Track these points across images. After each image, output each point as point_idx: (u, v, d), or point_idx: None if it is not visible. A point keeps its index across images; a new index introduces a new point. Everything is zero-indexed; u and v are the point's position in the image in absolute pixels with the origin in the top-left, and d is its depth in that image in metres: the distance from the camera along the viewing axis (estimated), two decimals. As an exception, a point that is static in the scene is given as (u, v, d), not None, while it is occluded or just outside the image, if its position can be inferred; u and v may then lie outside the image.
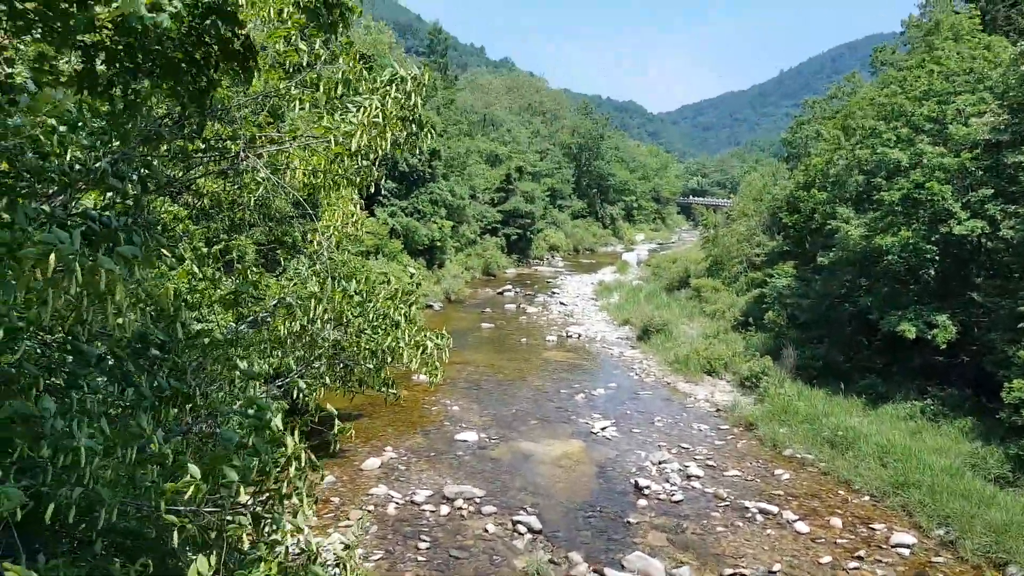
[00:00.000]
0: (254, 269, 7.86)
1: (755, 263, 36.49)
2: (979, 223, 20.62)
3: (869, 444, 18.41)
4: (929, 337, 20.73)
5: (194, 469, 3.85)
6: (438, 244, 45.16)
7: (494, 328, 35.20)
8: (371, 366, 6.82)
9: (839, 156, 27.51)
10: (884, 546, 14.37)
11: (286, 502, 4.47)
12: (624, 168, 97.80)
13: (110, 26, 4.33)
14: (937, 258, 21.90)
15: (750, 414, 21.92)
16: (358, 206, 7.96)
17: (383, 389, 7.32)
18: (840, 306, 25.91)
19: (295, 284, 7.70)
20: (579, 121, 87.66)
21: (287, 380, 6.72)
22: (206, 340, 5.64)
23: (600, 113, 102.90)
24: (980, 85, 23.36)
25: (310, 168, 7.29)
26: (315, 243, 8.32)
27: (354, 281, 6.61)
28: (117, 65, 4.54)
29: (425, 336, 6.64)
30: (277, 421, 4.34)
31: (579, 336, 33.86)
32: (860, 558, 13.84)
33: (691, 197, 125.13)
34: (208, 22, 4.43)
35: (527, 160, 68.47)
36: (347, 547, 5.44)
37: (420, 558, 13.26)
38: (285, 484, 4.44)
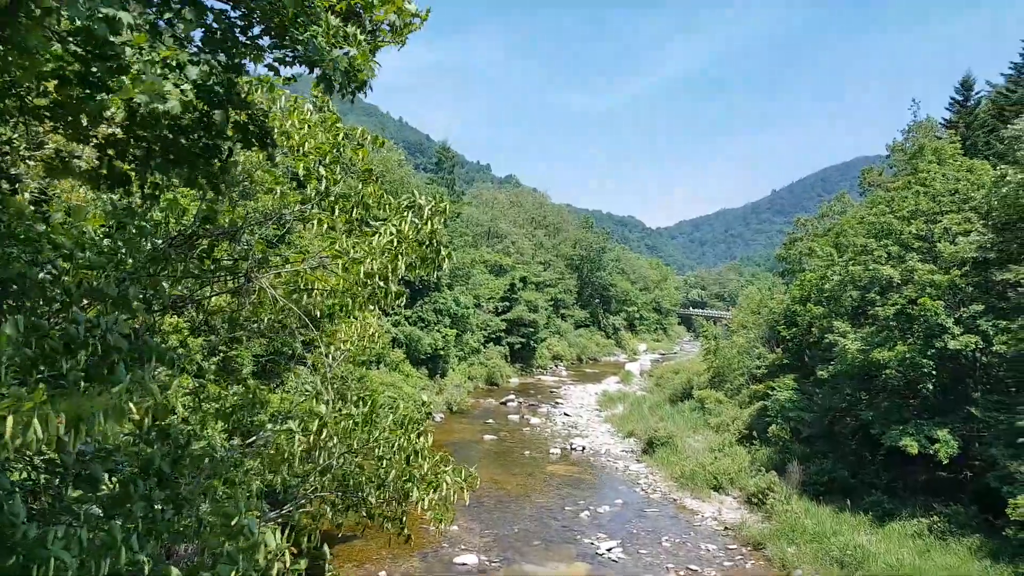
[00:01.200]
0: (252, 382, 7.90)
1: (756, 375, 36.67)
2: (972, 338, 21.10)
3: (878, 564, 18.04)
4: (931, 452, 20.71)
5: (175, 572, 3.88)
6: (441, 353, 45.51)
7: (497, 440, 34.94)
8: (373, 500, 6.36)
9: (833, 272, 28.38)
10: (900, 675, 13.84)
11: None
12: (625, 279, 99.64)
13: (121, 117, 4.53)
14: (934, 372, 22.21)
15: (758, 533, 21.51)
16: (376, 319, 8.09)
17: (390, 527, 6.84)
18: (842, 420, 25.96)
19: (301, 400, 7.65)
20: (581, 234, 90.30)
21: (287, 509, 6.65)
22: (207, 461, 5.46)
23: (601, 227, 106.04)
24: (965, 205, 24.52)
25: (327, 289, 7.52)
26: (328, 355, 8.26)
27: (361, 404, 6.61)
28: (132, 156, 4.68)
29: (443, 471, 6.06)
30: (269, 539, 4.40)
31: (583, 449, 33.56)
32: None
33: (691, 308, 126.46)
34: (216, 109, 4.57)
35: (531, 271, 70.07)
36: None
37: None
38: None
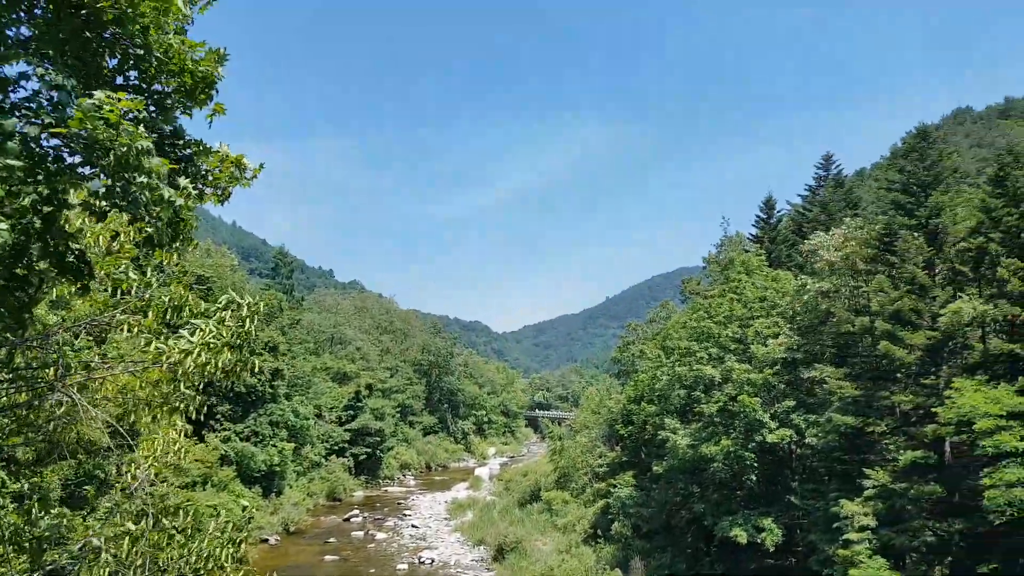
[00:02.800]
0: (59, 510, 7.19)
1: (599, 473, 37.76)
2: (787, 432, 23.37)
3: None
4: (759, 540, 22.20)
5: None
6: (277, 469, 42.51)
7: (339, 560, 32.73)
8: None
9: (662, 372, 30.55)
10: None
11: None
12: (473, 383, 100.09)
13: None
14: (756, 464, 24.20)
15: (607, 635, 21.54)
16: (182, 433, 7.65)
17: None
18: (678, 513, 27.27)
19: (105, 524, 6.99)
20: (429, 339, 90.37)
21: None
22: None
23: (449, 331, 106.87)
24: (773, 311, 27.72)
25: (120, 389, 6.98)
26: (128, 475, 7.79)
27: (181, 514, 6.21)
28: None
29: None
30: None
31: (432, 562, 32.27)
32: None
33: (537, 411, 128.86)
34: (35, 239, 4.36)
35: (377, 377, 68.46)
36: None
37: None
38: None
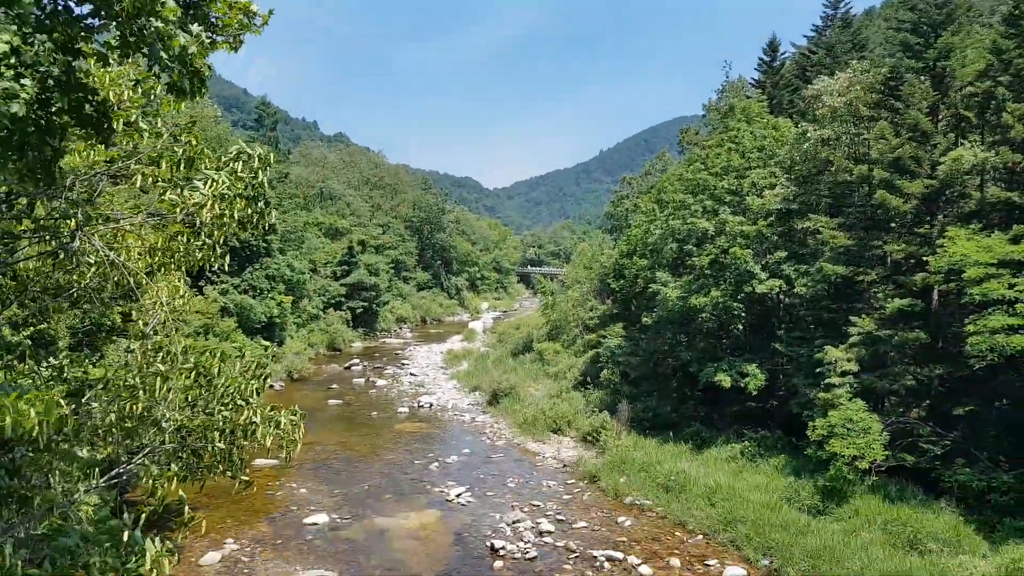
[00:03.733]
0: (70, 353, 7.37)
1: (589, 326, 38.78)
2: (777, 282, 23.69)
3: (698, 486, 20.02)
4: (743, 385, 23.17)
5: None
6: (277, 321, 43.46)
7: (342, 404, 34.26)
8: (222, 446, 6.42)
9: (655, 226, 30.45)
10: (719, 580, 15.58)
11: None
12: (466, 240, 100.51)
13: None
14: (744, 314, 24.73)
15: (593, 467, 23.02)
16: (183, 282, 7.75)
17: (235, 476, 6.91)
18: (665, 362, 28.27)
19: (131, 366, 7.22)
20: (420, 196, 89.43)
21: (124, 469, 6.37)
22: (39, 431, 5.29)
23: (440, 188, 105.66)
24: (771, 161, 27.16)
25: (146, 247, 7.06)
26: (140, 323, 7.97)
27: (206, 355, 6.44)
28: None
29: (278, 413, 6.38)
30: (138, 536, 4.31)
31: (431, 406, 33.85)
32: (699, 593, 14.91)
33: (529, 267, 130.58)
34: (54, 90, 4.42)
35: (369, 233, 68.41)
36: None
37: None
38: None
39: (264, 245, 43.91)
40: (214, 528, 17.96)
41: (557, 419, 28.37)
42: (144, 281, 7.38)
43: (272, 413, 6.59)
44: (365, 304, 58.97)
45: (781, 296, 25.11)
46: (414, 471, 23.54)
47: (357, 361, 46.77)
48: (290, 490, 21.24)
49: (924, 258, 19.46)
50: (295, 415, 6.84)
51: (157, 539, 4.82)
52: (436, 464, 24.29)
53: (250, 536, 17.78)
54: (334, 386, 38.47)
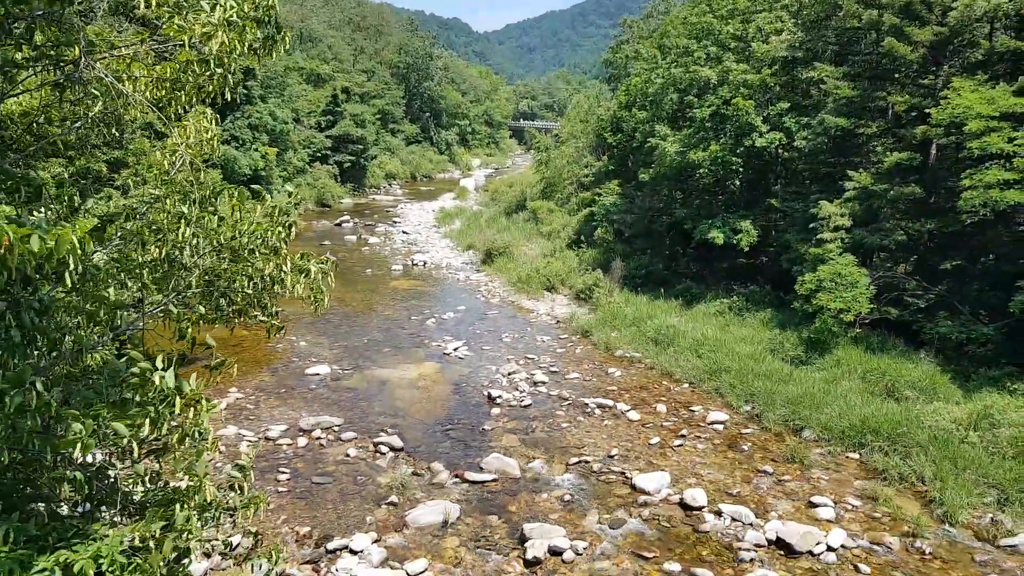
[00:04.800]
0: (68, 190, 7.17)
1: (584, 184, 38.32)
2: (777, 135, 23.13)
3: (686, 339, 20.68)
4: (735, 242, 23.28)
5: (77, 426, 3.71)
6: (263, 174, 42.60)
7: (336, 260, 34.39)
8: (250, 292, 6.31)
9: (656, 75, 29.22)
10: (702, 424, 16.49)
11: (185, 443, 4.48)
12: (455, 90, 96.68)
13: None
14: (741, 169, 24.37)
15: (585, 323, 23.63)
16: (213, 120, 7.37)
17: (267, 319, 6.78)
18: (659, 219, 28.22)
19: (152, 206, 6.94)
20: (405, 39, 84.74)
21: (152, 311, 6.32)
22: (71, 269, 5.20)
23: (426, 30, 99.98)
24: (778, 4, 25.61)
25: (154, 78, 6.67)
26: (165, 162, 7.62)
27: (226, 196, 6.21)
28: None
29: (308, 260, 6.16)
30: (169, 378, 4.29)
31: (424, 264, 34.10)
32: (683, 436, 15.81)
33: (521, 120, 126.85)
34: None
35: (353, 80, 65.43)
36: (241, 467, 5.53)
37: (281, 489, 13.32)
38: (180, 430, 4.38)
39: (244, 92, 42.05)
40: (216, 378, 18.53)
41: (551, 277, 28.74)
42: (172, 115, 7.03)
43: (301, 261, 6.34)
44: (352, 158, 57.64)
45: (780, 150, 24.61)
46: (411, 327, 24.11)
47: (347, 218, 46.49)
48: (290, 343, 21.81)
49: (927, 110, 18.93)
50: (325, 263, 6.53)
51: (193, 378, 4.87)
52: (432, 320, 24.84)
53: (254, 385, 18.46)
54: (326, 243, 38.49)
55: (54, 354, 4.52)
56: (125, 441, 4.10)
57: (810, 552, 11.58)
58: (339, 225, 44.47)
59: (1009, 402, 14.68)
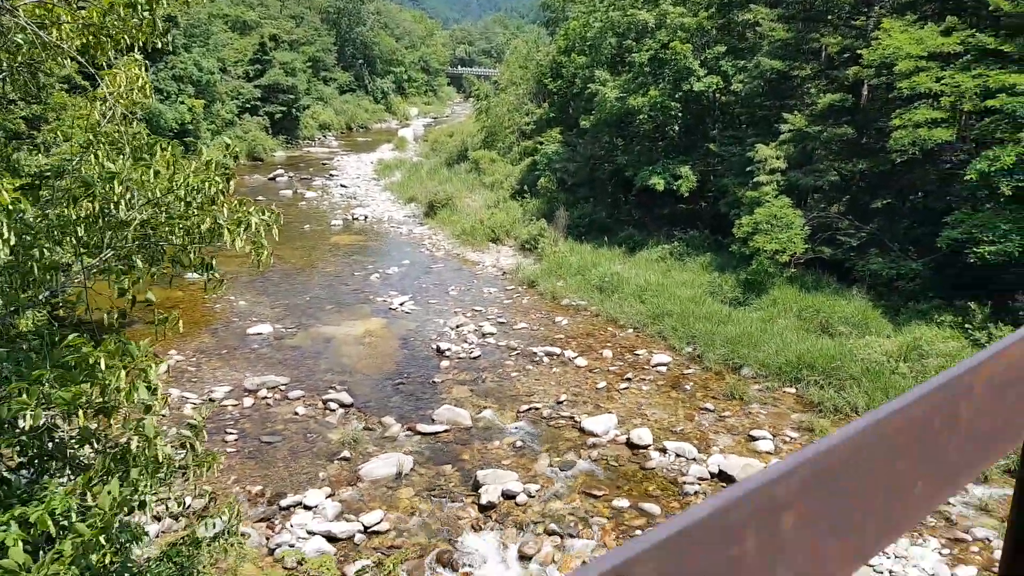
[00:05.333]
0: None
1: (526, 132, 37.90)
2: (715, 79, 23.26)
3: (630, 286, 21.01)
4: (675, 188, 23.56)
5: (21, 398, 3.54)
6: (190, 127, 40.57)
7: (278, 212, 33.34)
8: (187, 246, 5.98)
9: (594, 19, 28.84)
10: (647, 367, 16.91)
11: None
12: (389, 36, 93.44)
13: None
14: (680, 114, 24.50)
15: (531, 273, 23.71)
16: (143, 68, 6.94)
17: (204, 272, 6.46)
18: (601, 167, 28.27)
19: (82, 159, 6.56)
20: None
21: (85, 268, 6.02)
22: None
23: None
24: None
25: (80, 23, 6.21)
26: (95, 113, 7.18)
27: (158, 149, 5.86)
28: None
29: (247, 212, 5.74)
30: (102, 364, 4.12)
31: (365, 218, 33.40)
32: (629, 379, 16.20)
33: (460, 67, 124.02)
34: None
35: (281, 27, 62.43)
36: (192, 427, 5.38)
37: (230, 450, 13.11)
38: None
39: (166, 41, 39.63)
40: (156, 341, 17.91)
41: (495, 228, 28.57)
42: (102, 64, 6.60)
43: (241, 212, 5.95)
44: (284, 109, 55.36)
45: (717, 94, 24.81)
46: (354, 283, 23.71)
47: (281, 172, 44.94)
48: (229, 303, 21.18)
49: (858, 52, 19.34)
50: (267, 215, 6.12)
51: (143, 342, 4.74)
52: (376, 275, 24.47)
53: (193, 347, 17.92)
54: (260, 198, 37.10)
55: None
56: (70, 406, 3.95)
57: (751, 483, 12.13)
58: (273, 179, 42.99)
59: (936, 333, 15.51)
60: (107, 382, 4.20)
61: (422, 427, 13.94)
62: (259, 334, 18.85)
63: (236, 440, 13.51)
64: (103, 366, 4.20)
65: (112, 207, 5.26)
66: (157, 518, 9.32)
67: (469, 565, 10.35)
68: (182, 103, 40.00)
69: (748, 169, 20.70)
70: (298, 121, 58.61)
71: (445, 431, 13.88)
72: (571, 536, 10.94)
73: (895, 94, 18.08)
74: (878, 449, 0.65)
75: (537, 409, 14.82)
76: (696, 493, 11.96)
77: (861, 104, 20.53)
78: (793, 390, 15.40)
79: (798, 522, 0.56)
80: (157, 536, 10.13)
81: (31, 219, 5.17)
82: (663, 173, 23.90)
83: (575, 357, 17.37)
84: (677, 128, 25.28)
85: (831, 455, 0.59)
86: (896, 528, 0.70)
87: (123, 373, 4.30)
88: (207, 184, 5.57)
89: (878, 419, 0.64)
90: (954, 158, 18.66)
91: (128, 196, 5.32)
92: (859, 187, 20.41)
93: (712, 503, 0.49)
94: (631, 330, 19.13)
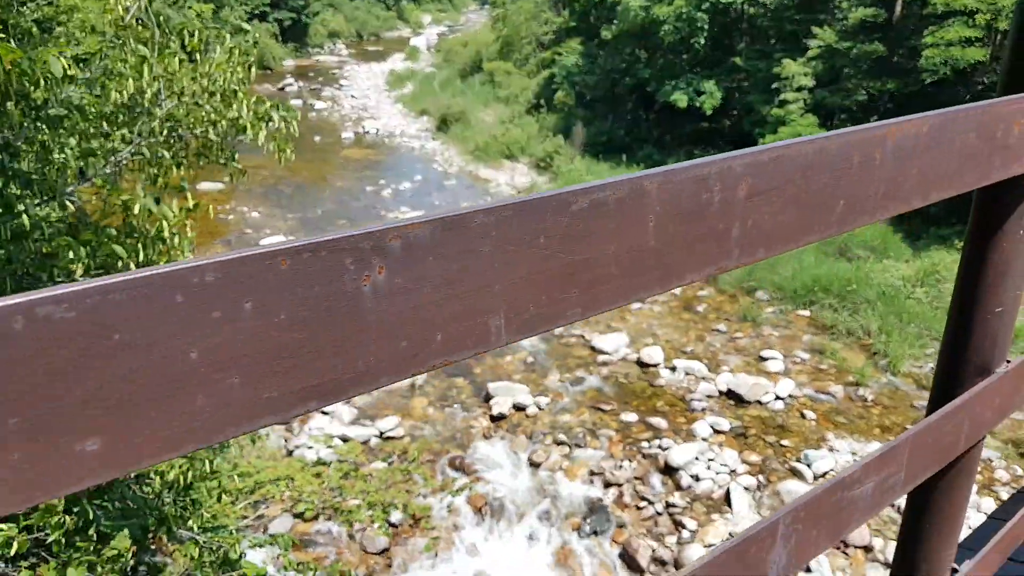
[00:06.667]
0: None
1: (544, 43, 36.59)
2: (744, -11, 22.19)
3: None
4: (698, 105, 22.84)
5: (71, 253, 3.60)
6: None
7: (297, 109, 32.83)
8: (213, 137, 6.01)
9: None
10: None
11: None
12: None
13: None
14: (707, 26, 23.46)
15: (545, 190, 23.34)
16: None
17: (227, 163, 6.46)
18: (621, 81, 27.33)
19: (111, 49, 6.44)
20: None
21: (119, 157, 6.03)
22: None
23: None
24: None
25: None
26: (120, 8, 7.02)
27: (186, 35, 5.71)
28: None
29: (268, 108, 5.74)
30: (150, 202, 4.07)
31: (377, 131, 32.78)
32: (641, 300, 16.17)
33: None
34: None
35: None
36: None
37: (247, 359, 13.33)
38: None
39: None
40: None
41: (509, 145, 27.96)
42: None
43: (263, 108, 5.98)
44: (293, 15, 53.68)
45: (745, 6, 23.67)
46: (366, 197, 23.49)
47: (291, 81, 43.92)
48: (242, 214, 21.11)
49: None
50: (287, 111, 6.15)
51: (174, 203, 4.80)
52: (388, 191, 24.20)
53: (207, 255, 17.95)
54: (273, 109, 36.50)
55: (24, 193, 4.37)
56: (120, 264, 4.06)
57: (758, 401, 12.26)
58: (282, 89, 42.04)
59: (956, 259, 15.28)
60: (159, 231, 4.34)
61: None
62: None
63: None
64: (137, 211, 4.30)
65: (140, 97, 5.20)
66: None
67: (481, 470, 10.65)
68: (190, 8, 38.76)
69: (774, 86, 19.98)
70: (308, 28, 56.90)
71: (458, 344, 14.01)
72: (579, 446, 11.18)
73: (929, 10, 17.18)
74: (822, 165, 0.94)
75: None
76: (704, 409, 12.11)
77: (893, 20, 19.55)
78: (807, 313, 15.35)
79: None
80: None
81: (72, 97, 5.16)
82: (686, 88, 23.12)
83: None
84: (703, 41, 24.26)
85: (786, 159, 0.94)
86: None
87: (166, 225, 4.46)
88: (230, 74, 5.48)
89: (826, 141, 0.94)
90: (986, 79, 17.89)
91: (156, 86, 5.25)
92: (887, 108, 19.70)
93: None
94: (645, 250, 18.97)
